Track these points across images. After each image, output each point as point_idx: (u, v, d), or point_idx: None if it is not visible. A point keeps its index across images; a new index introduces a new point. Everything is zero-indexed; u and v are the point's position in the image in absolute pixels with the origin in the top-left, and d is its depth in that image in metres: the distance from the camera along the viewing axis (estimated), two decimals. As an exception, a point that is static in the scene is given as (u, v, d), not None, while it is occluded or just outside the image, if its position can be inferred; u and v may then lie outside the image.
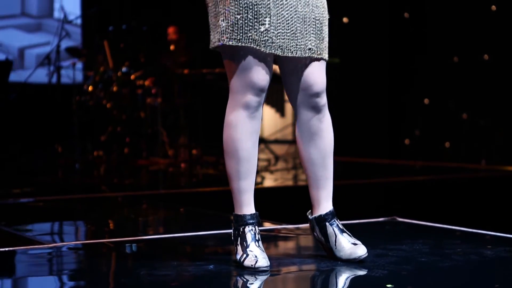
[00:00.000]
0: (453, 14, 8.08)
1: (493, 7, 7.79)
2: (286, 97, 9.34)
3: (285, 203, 4.73)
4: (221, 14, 2.30)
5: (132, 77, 7.71)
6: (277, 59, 2.40)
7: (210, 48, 2.37)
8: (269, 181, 6.11)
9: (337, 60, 7.98)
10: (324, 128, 2.42)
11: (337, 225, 2.38)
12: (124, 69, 7.74)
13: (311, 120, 2.41)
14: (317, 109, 2.39)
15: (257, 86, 2.32)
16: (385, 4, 8.71)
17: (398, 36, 8.71)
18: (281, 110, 9.90)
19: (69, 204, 4.42)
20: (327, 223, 2.39)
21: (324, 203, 2.43)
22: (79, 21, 9.05)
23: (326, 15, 2.41)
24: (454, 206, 4.59)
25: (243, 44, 2.27)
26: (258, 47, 2.28)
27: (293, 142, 9.14)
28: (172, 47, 8.07)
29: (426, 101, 8.41)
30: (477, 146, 7.89)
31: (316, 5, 2.37)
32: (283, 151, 8.81)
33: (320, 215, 2.41)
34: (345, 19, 8.90)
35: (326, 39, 2.41)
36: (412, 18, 8.57)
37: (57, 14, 8.11)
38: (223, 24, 2.30)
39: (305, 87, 2.38)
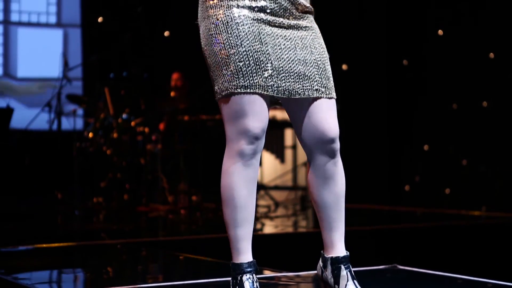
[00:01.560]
0: (452, 61, 8.13)
1: (491, 55, 7.85)
2: (286, 143, 9.38)
3: (285, 250, 4.70)
4: (223, 64, 2.30)
5: (133, 123, 7.73)
6: (285, 105, 2.41)
7: (217, 99, 2.35)
8: (269, 228, 6.08)
9: (336, 107, 8.00)
10: (338, 172, 2.44)
11: (351, 270, 2.39)
12: (124, 115, 7.76)
13: (326, 164, 2.42)
14: (332, 154, 2.41)
15: (251, 134, 2.30)
16: (383, 51, 8.78)
17: (397, 83, 8.75)
18: (281, 156, 9.90)
19: (68, 251, 4.39)
20: (343, 266, 2.39)
21: (339, 245, 2.44)
22: (80, 68, 9.11)
23: (326, 56, 2.41)
24: (456, 253, 4.57)
25: (251, 91, 2.27)
26: (265, 92, 2.27)
27: (293, 188, 9.12)
28: (172, 94, 8.11)
29: (426, 147, 8.42)
30: (478, 192, 7.87)
31: (314, 47, 2.38)
32: (283, 197, 8.79)
33: (338, 257, 2.41)
34: (344, 66, 8.96)
35: (332, 78, 2.41)
36: (411, 65, 8.62)
37: (58, 60, 8.16)
38: (228, 73, 2.29)
39: (319, 133, 2.38)
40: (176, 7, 9.44)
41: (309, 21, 2.41)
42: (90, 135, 7.64)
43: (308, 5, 2.41)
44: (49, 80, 8.91)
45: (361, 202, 8.40)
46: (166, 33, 9.51)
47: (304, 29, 2.38)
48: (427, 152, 8.41)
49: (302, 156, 9.11)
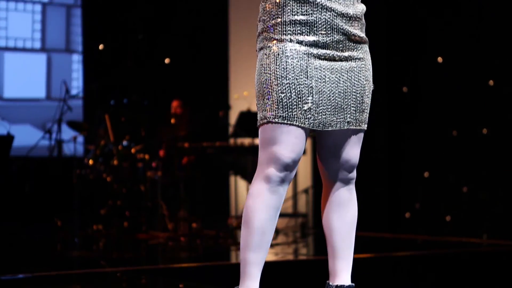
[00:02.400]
0: (451, 88, 8.15)
1: (491, 82, 7.87)
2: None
3: (285, 278, 4.69)
4: (266, 93, 2.36)
5: (133, 150, 7.74)
6: (319, 132, 2.47)
7: (257, 126, 2.41)
8: (269, 255, 6.06)
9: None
10: (352, 200, 2.50)
11: None
12: (124, 142, 7.78)
13: (342, 191, 2.49)
14: (348, 182, 2.49)
15: (280, 161, 2.35)
16: (383, 78, 8.80)
17: (397, 110, 8.77)
18: (281, 183, 9.88)
19: (67, 279, 4.38)
20: None
21: (344, 275, 2.47)
22: (81, 95, 9.14)
23: (368, 88, 2.50)
24: (457, 281, 4.55)
25: (287, 122, 2.33)
26: (302, 125, 2.33)
27: (293, 215, 9.10)
28: (172, 121, 8.13)
29: (426, 174, 8.41)
30: (478, 219, 7.86)
31: (358, 79, 2.44)
32: (284, 224, 8.77)
33: (343, 286, 2.42)
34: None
35: (367, 110, 2.51)
36: (411, 91, 8.65)
37: (58, 88, 8.20)
38: (269, 103, 2.35)
39: (342, 161, 2.47)
40: (177, 34, 9.48)
41: (363, 51, 2.48)
42: (91, 162, 7.64)
43: (362, 35, 2.46)
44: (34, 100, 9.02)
45: (360, 229, 8.36)
46: (167, 60, 9.55)
47: (355, 60, 2.44)
48: (427, 179, 8.41)
49: (302, 183, 9.11)
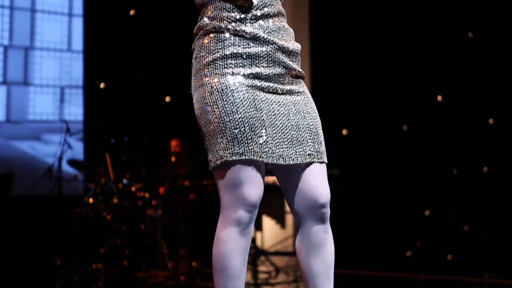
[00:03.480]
0: (451, 126, 8.17)
1: (490, 120, 7.89)
2: (286, 208, 9.34)
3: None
4: (218, 132, 2.30)
5: (133, 189, 7.73)
6: (274, 171, 2.41)
7: (210, 169, 2.35)
8: (270, 295, 6.01)
9: (336, 172, 8.01)
10: (328, 239, 2.41)
11: None
12: (125, 181, 7.77)
13: (316, 231, 2.39)
14: (322, 220, 2.38)
15: (249, 202, 2.29)
16: (384, 117, 8.83)
17: (397, 148, 8.77)
18: (281, 222, 9.86)
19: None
20: None
21: None
22: (81, 133, 9.15)
23: (318, 120, 2.42)
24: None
25: (246, 157, 2.26)
26: (260, 159, 2.27)
27: (294, 254, 9.05)
28: (173, 159, 8.13)
29: (427, 212, 8.39)
30: (480, 258, 7.82)
31: (307, 111, 2.39)
32: (284, 263, 8.72)
33: None
34: (344, 131, 8.99)
35: (323, 143, 2.41)
36: (411, 130, 8.66)
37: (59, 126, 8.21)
38: (223, 141, 2.29)
39: (311, 199, 2.37)
40: (177, 73, 9.53)
41: (301, 85, 2.44)
42: (91, 200, 7.62)
43: (300, 70, 2.44)
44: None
45: (361, 268, 8.33)
46: (167, 99, 9.58)
47: (297, 94, 2.40)
48: (428, 218, 8.38)
49: (302, 221, 9.06)
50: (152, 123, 9.34)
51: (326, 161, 2.40)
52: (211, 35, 2.37)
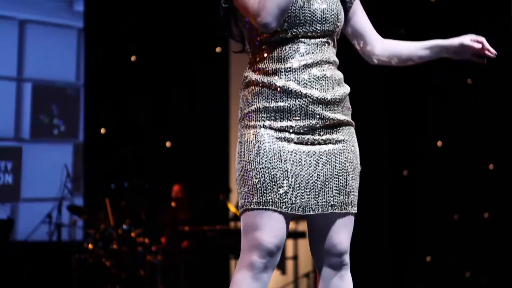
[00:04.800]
0: (451, 172, 8.17)
1: (491, 166, 7.89)
2: (287, 254, 9.30)
3: None
4: (242, 181, 2.35)
5: (133, 234, 7.70)
6: (304, 216, 2.41)
7: (239, 215, 2.40)
8: None
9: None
10: (344, 287, 2.44)
11: None
12: (125, 226, 7.74)
13: (332, 278, 2.43)
14: (338, 268, 2.42)
15: (263, 247, 2.31)
16: (384, 163, 8.83)
17: (398, 194, 8.76)
18: (282, 268, 9.81)
19: None
20: None
21: None
22: (82, 179, 9.15)
23: (352, 170, 2.42)
24: None
25: (263, 207, 2.30)
26: (279, 209, 2.30)
27: (294, 300, 8.99)
28: (173, 204, 8.12)
29: (428, 258, 8.35)
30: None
31: (340, 161, 2.39)
32: (285, 309, 8.65)
33: None
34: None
35: (354, 192, 2.42)
36: (411, 175, 8.65)
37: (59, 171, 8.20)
38: (245, 190, 2.34)
39: (329, 246, 2.42)
40: (177, 118, 9.56)
41: (344, 133, 2.43)
42: (90, 246, 7.58)
43: (344, 118, 2.43)
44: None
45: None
46: (168, 144, 9.60)
47: (335, 143, 2.40)
48: (429, 263, 8.33)
49: (303, 267, 9.02)
50: (153, 169, 9.34)
51: (352, 211, 2.42)
52: (250, 87, 2.40)
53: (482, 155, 7.95)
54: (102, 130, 9.39)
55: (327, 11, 2.40)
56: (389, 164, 8.88)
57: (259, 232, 2.30)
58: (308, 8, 2.38)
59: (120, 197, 7.94)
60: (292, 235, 8.44)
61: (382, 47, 2.56)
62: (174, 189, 8.31)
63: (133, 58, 9.48)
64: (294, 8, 2.37)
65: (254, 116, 2.36)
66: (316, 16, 2.38)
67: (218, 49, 9.59)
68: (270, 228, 2.31)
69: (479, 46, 2.37)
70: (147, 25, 9.32)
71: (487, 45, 2.40)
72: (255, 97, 2.37)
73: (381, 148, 8.91)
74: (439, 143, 8.38)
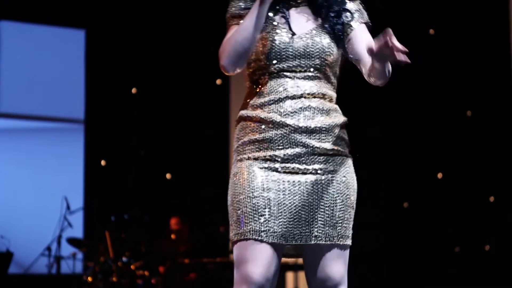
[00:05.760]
0: (452, 204, 8.15)
1: (491, 198, 7.89)
2: (288, 286, 9.24)
3: None
4: (230, 215, 2.37)
5: (133, 267, 7.66)
6: (299, 248, 2.41)
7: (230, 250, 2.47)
8: None
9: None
10: None
11: None
12: (124, 259, 7.71)
13: None
14: None
15: (251, 280, 2.31)
16: (384, 195, 8.83)
17: (398, 227, 8.74)
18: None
19: None
20: None
21: None
22: (81, 211, 9.12)
23: (340, 201, 2.39)
24: None
25: (245, 237, 2.30)
26: (259, 238, 2.29)
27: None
28: (173, 236, 8.09)
29: (429, 291, 8.32)
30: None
31: (327, 192, 2.37)
32: None
33: None
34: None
35: (343, 224, 2.39)
36: (412, 208, 8.64)
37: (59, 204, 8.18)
38: (231, 223, 2.36)
39: (322, 279, 2.39)
40: (177, 150, 9.56)
41: (336, 164, 2.41)
42: (89, 279, 7.54)
43: (332, 147, 2.40)
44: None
45: None
46: (168, 176, 9.60)
47: (324, 173, 2.38)
48: (431, 296, 8.30)
49: (304, 300, 8.96)
50: (153, 201, 9.33)
51: (341, 243, 2.39)
52: (240, 123, 2.46)
53: (483, 187, 7.95)
54: (103, 162, 9.39)
55: (311, 46, 2.41)
56: (389, 196, 8.87)
57: (246, 264, 2.30)
58: (291, 44, 2.40)
59: (120, 229, 7.92)
60: (293, 267, 8.40)
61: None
62: (171, 222, 8.30)
63: (133, 90, 9.51)
64: (278, 43, 2.40)
65: (241, 150, 2.41)
66: (299, 52, 2.40)
67: (218, 81, 9.62)
68: (255, 259, 2.30)
69: (385, 38, 2.26)
70: (147, 58, 9.37)
71: (395, 43, 2.24)
72: (242, 131, 2.42)
73: (381, 180, 8.91)
74: (440, 175, 8.38)
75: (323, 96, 2.43)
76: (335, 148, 2.42)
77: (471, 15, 8.15)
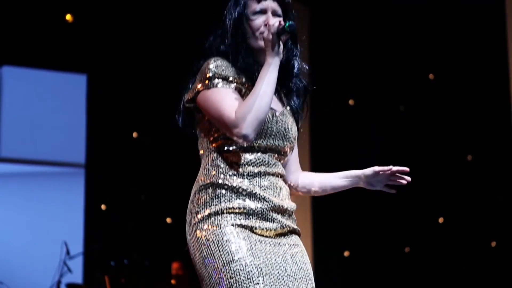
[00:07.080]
0: (453, 249, 8.12)
1: (493, 243, 7.86)
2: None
3: None
4: (216, 284, 2.33)
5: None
6: None
7: None
8: None
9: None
10: None
11: None
12: (124, 303, 7.66)
13: None
14: None
15: None
16: (385, 239, 8.79)
17: (399, 270, 8.70)
18: None
19: None
20: None
21: None
22: (81, 256, 9.08)
23: (312, 271, 2.53)
24: None
25: None
26: None
27: None
28: (173, 281, 8.05)
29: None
30: None
31: (304, 262, 2.48)
32: None
33: None
34: (346, 253, 8.92)
35: None
36: (413, 252, 8.60)
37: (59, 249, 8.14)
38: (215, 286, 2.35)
39: None
40: (178, 194, 9.55)
41: (297, 240, 2.53)
42: (88, 324, 7.50)
43: (296, 228, 2.53)
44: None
45: None
46: (168, 220, 9.57)
47: (294, 246, 2.49)
48: None
49: None
50: (153, 245, 9.29)
51: None
52: (208, 190, 2.44)
53: (484, 232, 7.92)
54: (103, 207, 9.37)
55: (289, 130, 2.52)
56: (391, 241, 8.84)
57: None
58: (273, 123, 2.48)
59: (119, 275, 7.88)
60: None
61: (302, 180, 2.63)
62: (173, 267, 8.25)
63: (134, 134, 9.53)
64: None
65: (217, 217, 2.40)
66: (280, 132, 2.48)
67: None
68: None
69: (389, 167, 2.42)
70: (148, 103, 9.40)
71: (396, 168, 2.46)
72: (216, 200, 2.41)
73: (382, 225, 8.89)
74: (441, 220, 8.35)
75: (282, 177, 2.53)
76: (297, 228, 2.55)
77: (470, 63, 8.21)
